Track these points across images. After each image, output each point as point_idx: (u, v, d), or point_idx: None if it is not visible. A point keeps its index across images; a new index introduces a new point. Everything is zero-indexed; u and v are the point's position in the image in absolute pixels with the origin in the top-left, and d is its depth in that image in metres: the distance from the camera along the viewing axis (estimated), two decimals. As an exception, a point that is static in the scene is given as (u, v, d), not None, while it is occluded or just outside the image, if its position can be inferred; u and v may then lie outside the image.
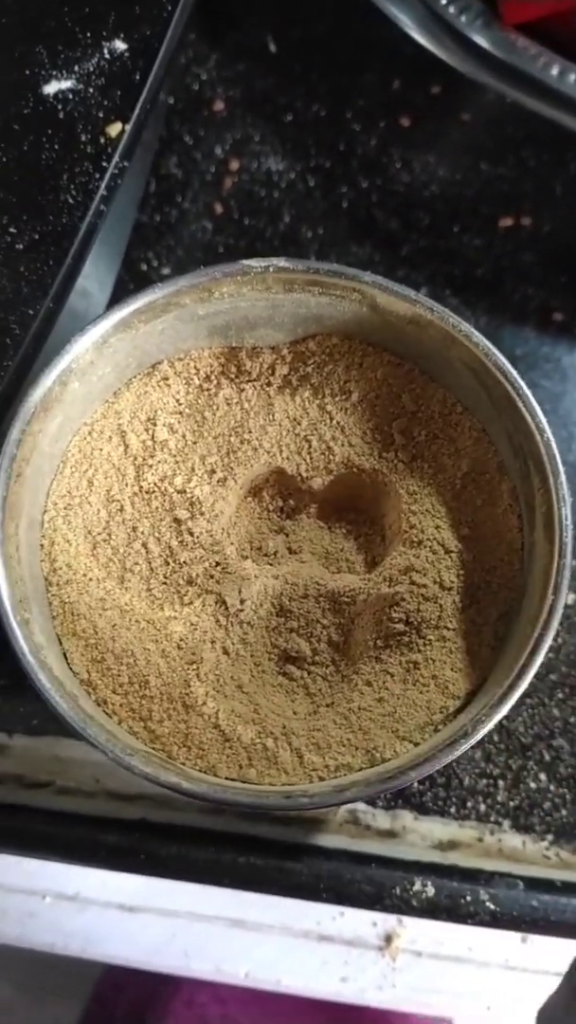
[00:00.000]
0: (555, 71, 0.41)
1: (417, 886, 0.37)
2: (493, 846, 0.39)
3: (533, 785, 0.40)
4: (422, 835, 0.39)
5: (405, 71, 0.49)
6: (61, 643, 0.30)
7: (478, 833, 0.39)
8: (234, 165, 0.48)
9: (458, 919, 0.37)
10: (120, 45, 0.37)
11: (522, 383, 0.29)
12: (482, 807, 0.39)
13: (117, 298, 0.45)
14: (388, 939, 0.41)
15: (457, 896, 0.37)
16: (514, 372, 0.29)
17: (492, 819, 0.39)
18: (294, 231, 0.47)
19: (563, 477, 0.28)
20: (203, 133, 0.48)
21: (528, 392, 0.29)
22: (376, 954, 0.41)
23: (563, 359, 0.45)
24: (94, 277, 0.39)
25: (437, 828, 0.39)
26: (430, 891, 0.37)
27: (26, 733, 0.41)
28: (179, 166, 0.48)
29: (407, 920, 0.40)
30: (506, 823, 0.39)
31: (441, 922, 0.38)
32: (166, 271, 0.47)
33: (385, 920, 0.40)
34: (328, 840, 0.39)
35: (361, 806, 0.40)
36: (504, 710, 0.26)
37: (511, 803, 0.40)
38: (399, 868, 0.38)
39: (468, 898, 0.37)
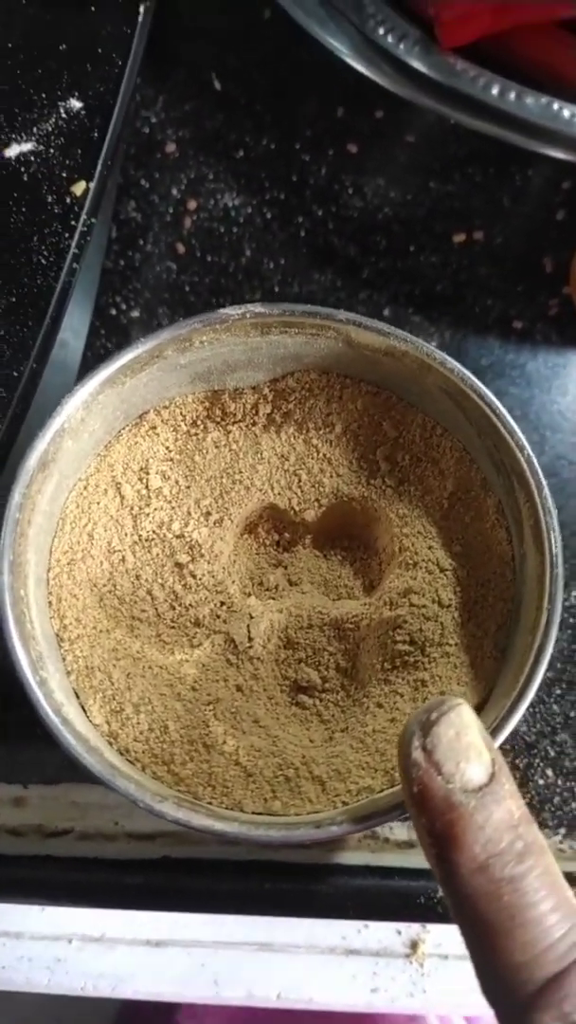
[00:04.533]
0: (495, 91, 0.43)
1: (441, 892, 0.38)
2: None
3: (541, 781, 0.41)
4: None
5: (348, 98, 0.50)
6: (79, 697, 0.31)
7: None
8: (192, 204, 0.49)
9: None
10: (76, 103, 0.37)
11: (498, 404, 0.30)
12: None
13: (91, 344, 0.46)
14: (414, 946, 0.42)
15: (480, 899, 0.38)
16: (490, 394, 0.30)
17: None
18: (256, 264, 0.48)
19: (547, 490, 0.30)
20: (158, 175, 0.49)
21: (505, 412, 0.30)
22: (403, 962, 0.42)
23: (527, 364, 0.47)
24: (69, 327, 0.40)
25: (453, 833, 0.40)
26: (454, 897, 0.38)
27: (42, 782, 0.42)
28: (138, 210, 0.49)
29: (431, 925, 0.41)
30: (519, 822, 0.40)
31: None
32: (135, 314, 0.47)
33: (409, 928, 0.41)
34: (349, 857, 0.40)
35: (377, 820, 0.41)
36: (515, 720, 0.27)
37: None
38: (421, 877, 0.39)
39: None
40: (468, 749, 0.23)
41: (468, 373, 0.31)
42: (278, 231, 0.49)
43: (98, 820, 0.41)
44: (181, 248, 0.48)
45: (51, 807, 0.42)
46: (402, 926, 0.41)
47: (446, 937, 0.41)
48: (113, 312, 0.47)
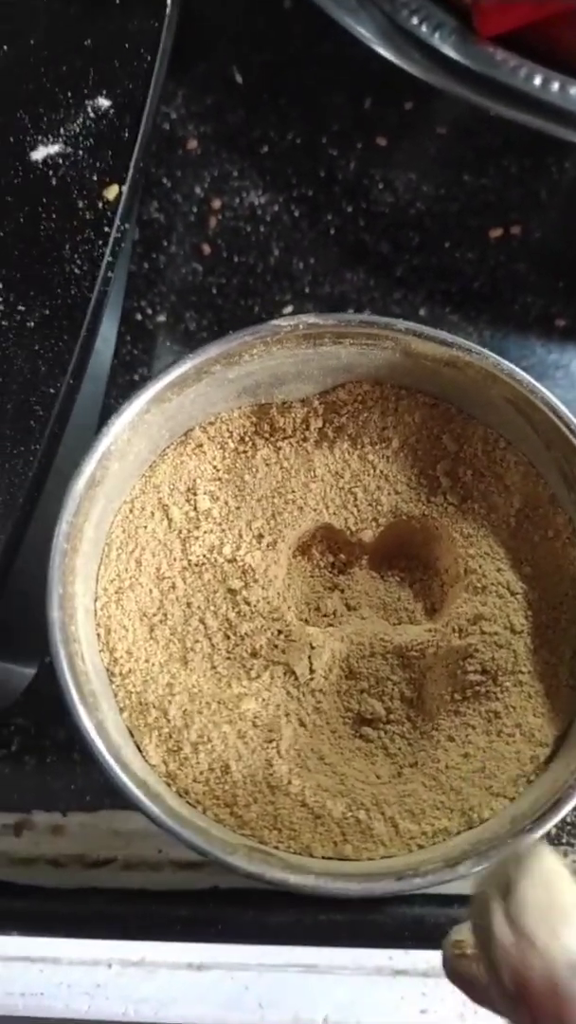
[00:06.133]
0: (537, 81, 0.41)
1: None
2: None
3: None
4: (497, 867, 0.39)
5: (375, 89, 0.48)
6: (132, 735, 0.29)
7: (553, 857, 0.39)
8: (216, 203, 0.47)
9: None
10: (104, 102, 0.35)
11: (571, 416, 0.29)
12: (553, 829, 0.39)
13: (117, 351, 0.44)
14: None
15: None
16: (562, 406, 0.29)
17: (564, 840, 0.39)
18: (285, 264, 0.46)
19: (625, 507, 0.28)
20: (180, 174, 0.47)
21: (578, 425, 0.29)
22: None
23: (572, 364, 0.45)
24: (99, 336, 0.38)
25: (510, 857, 0.39)
26: (514, 924, 0.37)
27: (80, 810, 0.40)
28: (160, 210, 0.47)
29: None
30: (577, 842, 0.39)
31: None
32: (162, 318, 0.46)
33: (458, 947, 0.40)
34: (405, 884, 0.39)
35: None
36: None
37: (579, 822, 0.39)
38: (481, 905, 0.37)
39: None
40: (565, 907, 0.18)
41: (537, 384, 0.29)
42: (307, 229, 0.47)
43: (142, 848, 0.40)
44: (207, 249, 0.46)
45: (92, 835, 0.40)
46: (452, 946, 0.40)
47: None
48: (139, 317, 0.45)
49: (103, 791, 0.41)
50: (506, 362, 0.29)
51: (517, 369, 0.29)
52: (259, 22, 0.49)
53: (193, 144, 0.48)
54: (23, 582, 0.32)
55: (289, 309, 0.46)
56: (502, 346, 0.46)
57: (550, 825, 0.26)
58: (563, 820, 0.39)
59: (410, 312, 0.46)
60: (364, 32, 0.43)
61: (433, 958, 0.40)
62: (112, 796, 0.41)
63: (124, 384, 0.44)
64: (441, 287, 0.46)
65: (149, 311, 0.46)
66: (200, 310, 0.46)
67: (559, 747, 0.29)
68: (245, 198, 0.47)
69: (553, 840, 0.39)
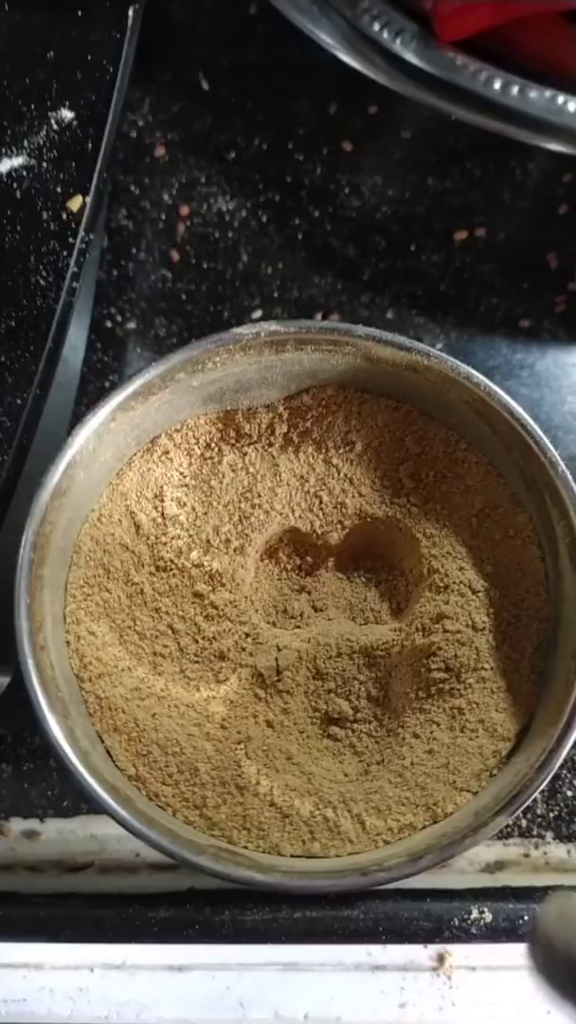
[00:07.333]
0: (497, 85, 0.42)
1: (475, 913, 0.38)
2: (540, 860, 0.40)
3: (569, 793, 0.40)
4: (469, 860, 0.39)
5: (340, 94, 0.49)
6: (103, 740, 0.30)
7: (523, 849, 0.39)
8: (184, 210, 0.47)
9: (519, 939, 0.37)
10: (67, 114, 0.36)
11: (528, 418, 0.29)
12: (523, 822, 0.40)
13: (87, 359, 0.44)
14: (441, 959, 0.41)
15: (515, 918, 0.37)
16: (519, 409, 0.29)
17: (535, 833, 0.40)
18: (254, 269, 0.47)
19: (583, 507, 0.29)
20: (148, 181, 0.48)
21: (535, 427, 0.29)
22: (431, 976, 0.41)
23: (536, 364, 0.46)
24: (67, 345, 0.38)
25: (482, 850, 0.39)
26: (488, 917, 0.38)
27: (58, 815, 0.41)
28: (129, 217, 0.47)
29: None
30: (549, 835, 0.40)
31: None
32: (131, 325, 0.46)
33: (435, 940, 0.40)
34: (379, 880, 0.39)
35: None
36: (563, 753, 0.26)
37: (551, 814, 0.40)
38: (454, 898, 0.38)
39: (526, 917, 0.37)
40: None
41: (495, 387, 0.30)
42: (275, 234, 0.47)
43: (118, 852, 0.40)
44: (176, 255, 0.47)
45: (69, 840, 0.40)
46: (429, 940, 0.40)
47: (473, 950, 0.40)
48: (109, 324, 0.46)
49: (79, 797, 0.41)
50: (464, 365, 0.30)
51: (475, 372, 0.30)
52: (223, 28, 0.49)
53: (160, 151, 0.48)
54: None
55: (258, 314, 0.46)
56: (468, 347, 0.46)
57: (510, 817, 0.27)
58: (534, 813, 0.40)
59: (378, 315, 0.46)
60: (327, 38, 0.44)
61: (411, 952, 0.41)
62: (88, 802, 0.41)
63: (94, 391, 0.45)
64: (408, 290, 0.47)
65: (119, 318, 0.46)
66: (170, 316, 0.46)
67: (520, 741, 0.29)
68: (213, 204, 0.47)
69: (524, 832, 0.40)
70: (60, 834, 0.40)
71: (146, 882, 0.40)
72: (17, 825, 0.41)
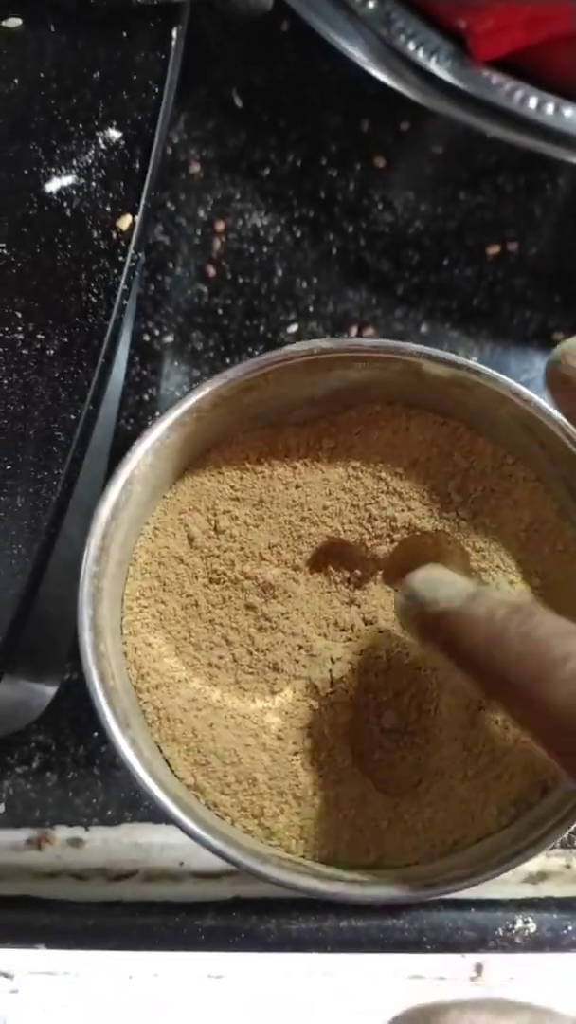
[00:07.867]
0: (533, 103, 0.42)
1: (519, 923, 0.38)
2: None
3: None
4: (512, 871, 0.40)
5: (372, 111, 0.50)
6: (161, 750, 0.30)
7: (565, 860, 0.40)
8: (220, 226, 0.48)
9: (562, 949, 0.38)
10: (114, 134, 0.36)
11: (577, 433, 0.30)
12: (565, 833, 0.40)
13: (128, 374, 0.45)
14: (479, 969, 0.42)
15: (559, 928, 0.38)
16: (570, 424, 0.30)
17: (574, 844, 0.40)
18: (289, 284, 0.47)
19: (632, 521, 0.29)
20: (184, 197, 0.48)
21: (586, 442, 0.30)
22: (469, 985, 0.42)
23: (569, 378, 0.46)
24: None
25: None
26: (532, 927, 0.38)
27: (102, 824, 0.41)
28: (165, 233, 0.48)
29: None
30: (589, 845, 0.40)
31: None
32: (169, 339, 0.47)
33: (474, 950, 0.41)
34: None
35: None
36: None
37: (590, 824, 0.40)
38: (498, 908, 0.38)
39: (570, 927, 0.38)
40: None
41: (544, 403, 0.30)
42: (309, 249, 0.48)
43: (162, 860, 0.41)
44: (212, 271, 0.47)
45: (113, 848, 0.41)
46: (468, 950, 0.41)
47: (511, 960, 0.41)
48: (147, 338, 0.47)
49: (124, 805, 0.42)
50: (513, 382, 0.30)
51: (524, 389, 0.30)
52: (257, 46, 0.50)
53: (196, 168, 0.49)
54: (43, 604, 0.33)
55: (294, 328, 0.47)
56: (502, 360, 0.47)
57: (567, 830, 0.27)
58: None
59: (412, 329, 0.47)
60: (360, 56, 0.44)
61: (451, 962, 0.41)
62: (133, 809, 0.42)
63: (133, 405, 0.45)
64: (442, 304, 0.47)
65: (156, 332, 0.47)
66: (206, 330, 0.47)
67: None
68: (248, 220, 0.48)
69: (566, 843, 0.40)
70: (104, 842, 0.41)
71: (191, 890, 0.40)
72: (62, 833, 0.41)
